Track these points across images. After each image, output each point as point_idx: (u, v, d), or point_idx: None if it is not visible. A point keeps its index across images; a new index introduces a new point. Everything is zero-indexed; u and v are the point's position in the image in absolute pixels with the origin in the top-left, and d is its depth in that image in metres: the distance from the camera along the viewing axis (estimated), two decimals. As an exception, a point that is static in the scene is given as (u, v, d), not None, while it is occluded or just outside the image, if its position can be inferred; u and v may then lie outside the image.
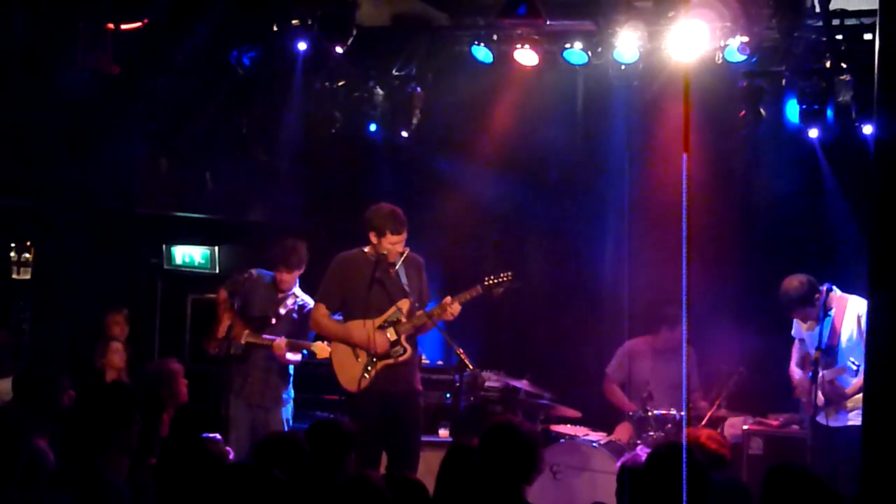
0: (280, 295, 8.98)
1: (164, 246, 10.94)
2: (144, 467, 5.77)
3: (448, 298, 8.04)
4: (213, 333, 8.96)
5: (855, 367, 8.00)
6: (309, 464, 5.26)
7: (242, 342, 8.84)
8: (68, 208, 9.69)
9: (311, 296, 8.58)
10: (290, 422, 8.97)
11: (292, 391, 9.07)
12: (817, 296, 8.28)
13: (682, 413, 8.86)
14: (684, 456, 4.23)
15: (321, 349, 8.57)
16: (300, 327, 8.94)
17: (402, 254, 8.09)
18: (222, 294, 9.04)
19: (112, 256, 9.93)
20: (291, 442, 5.34)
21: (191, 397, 7.94)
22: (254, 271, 9.06)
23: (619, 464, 5.90)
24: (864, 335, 7.64)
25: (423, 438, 8.47)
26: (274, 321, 8.90)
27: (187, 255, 11.17)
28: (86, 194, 9.67)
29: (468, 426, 8.81)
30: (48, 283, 9.68)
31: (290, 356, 8.80)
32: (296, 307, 8.99)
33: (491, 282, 8.15)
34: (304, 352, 8.83)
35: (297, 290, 9.03)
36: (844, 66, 8.91)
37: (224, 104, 10.11)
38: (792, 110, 9.32)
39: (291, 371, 9.05)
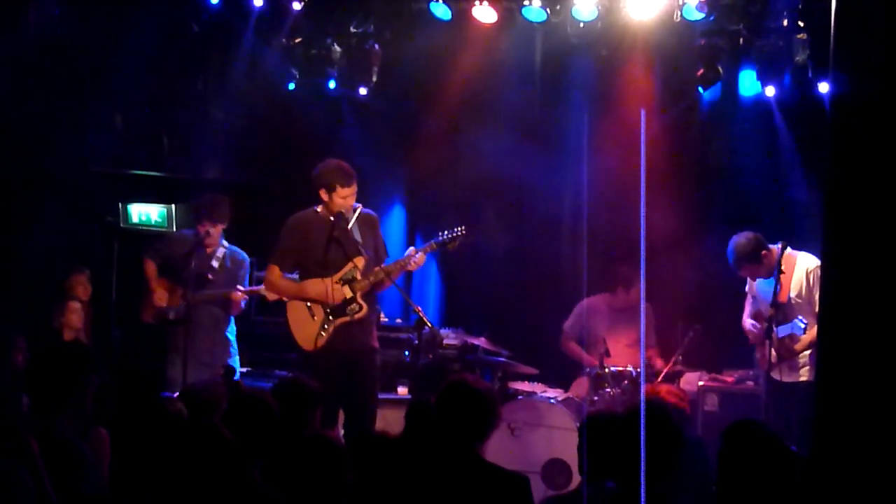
0: (209, 250, 8.98)
1: (120, 204, 10.83)
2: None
3: (411, 249, 8.06)
4: (148, 302, 9.02)
5: (802, 326, 8.08)
6: (278, 421, 5.27)
7: (181, 304, 8.83)
8: (22, 166, 9.57)
9: (269, 257, 8.52)
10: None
11: (236, 346, 9.18)
12: (764, 252, 8.33)
13: (640, 370, 8.93)
14: (642, 415, 4.28)
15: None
16: (235, 277, 9.04)
17: (355, 210, 8.07)
18: (150, 266, 9.11)
19: (68, 215, 9.83)
20: (260, 400, 5.35)
21: (147, 358, 7.89)
22: (173, 233, 9.08)
23: (582, 418, 5.93)
24: (817, 292, 7.77)
25: (382, 396, 8.50)
26: (211, 276, 8.90)
27: (144, 213, 11.05)
28: (40, 152, 9.56)
29: (427, 384, 8.82)
30: (2, 242, 9.58)
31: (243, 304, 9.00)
32: (227, 258, 9.01)
33: (445, 237, 8.16)
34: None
35: (223, 241, 9.07)
36: (801, 24, 8.95)
37: (180, 61, 10.02)
38: (748, 70, 9.40)
39: (233, 326, 9.14)
